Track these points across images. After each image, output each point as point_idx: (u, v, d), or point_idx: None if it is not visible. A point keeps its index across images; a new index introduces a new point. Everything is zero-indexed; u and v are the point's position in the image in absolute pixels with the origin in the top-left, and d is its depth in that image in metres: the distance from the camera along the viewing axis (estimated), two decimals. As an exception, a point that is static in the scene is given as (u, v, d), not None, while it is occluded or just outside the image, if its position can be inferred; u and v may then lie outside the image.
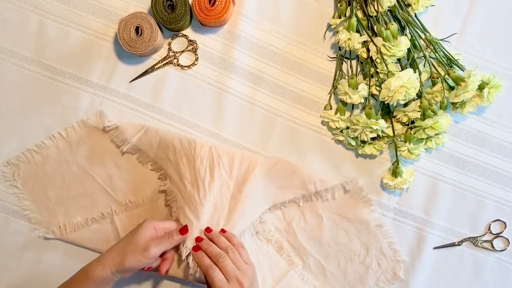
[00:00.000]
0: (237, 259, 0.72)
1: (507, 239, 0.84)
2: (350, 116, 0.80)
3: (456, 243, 0.84)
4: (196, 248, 0.73)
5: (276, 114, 0.84)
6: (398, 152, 0.79)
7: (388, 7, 0.77)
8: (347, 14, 0.80)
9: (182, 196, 0.78)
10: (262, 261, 0.81)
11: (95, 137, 0.82)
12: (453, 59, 0.79)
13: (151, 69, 0.83)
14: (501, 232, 0.84)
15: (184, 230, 0.74)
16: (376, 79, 0.78)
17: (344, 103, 0.80)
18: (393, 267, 0.82)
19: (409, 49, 0.78)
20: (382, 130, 0.77)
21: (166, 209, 0.81)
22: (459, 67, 0.79)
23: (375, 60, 0.77)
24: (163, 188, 0.81)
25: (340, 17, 0.81)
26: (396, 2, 0.78)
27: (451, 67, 0.78)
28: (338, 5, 0.82)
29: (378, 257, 0.82)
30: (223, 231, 0.76)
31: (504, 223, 0.84)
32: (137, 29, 0.79)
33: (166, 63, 0.84)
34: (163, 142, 0.80)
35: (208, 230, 0.75)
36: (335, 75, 0.83)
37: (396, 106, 0.80)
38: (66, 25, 0.83)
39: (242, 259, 0.72)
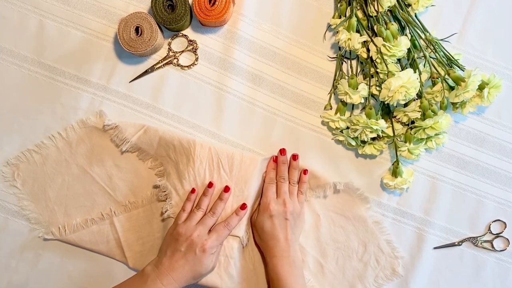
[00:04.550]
0: (294, 192, 0.80)
1: (507, 239, 0.84)
2: (350, 116, 0.80)
3: (456, 243, 0.84)
4: (274, 159, 0.82)
5: (276, 114, 0.84)
6: (398, 152, 0.79)
7: (388, 7, 0.77)
8: (347, 14, 0.80)
9: (179, 195, 0.78)
10: (261, 261, 0.81)
11: (95, 137, 0.82)
12: (453, 59, 0.79)
13: (151, 69, 0.83)
14: (501, 232, 0.84)
15: (243, 206, 0.78)
16: (376, 79, 0.78)
17: (344, 103, 0.80)
18: (391, 264, 0.82)
19: (409, 49, 0.78)
20: (382, 130, 0.77)
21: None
22: (459, 67, 0.79)
23: (375, 60, 0.77)
24: (158, 183, 0.80)
25: (340, 17, 0.81)
26: (396, 2, 0.78)
27: (451, 67, 0.78)
28: (338, 5, 0.82)
29: (376, 254, 0.82)
30: (304, 172, 0.82)
31: (504, 223, 0.84)
32: (137, 29, 0.79)
33: (166, 63, 0.84)
34: (163, 141, 0.80)
35: (294, 157, 0.82)
36: (335, 75, 0.83)
37: (396, 106, 0.80)
38: (66, 25, 0.83)
39: (298, 198, 0.80)
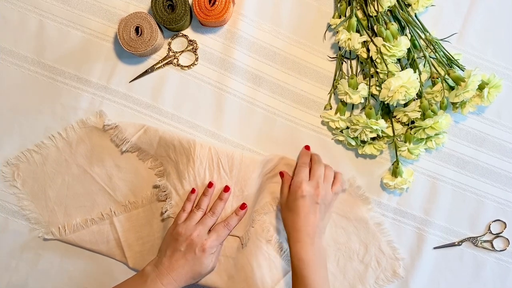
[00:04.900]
0: (329, 177, 0.77)
1: (507, 239, 0.84)
2: (350, 116, 0.80)
3: (456, 243, 0.84)
4: (307, 147, 0.81)
5: (276, 114, 0.84)
6: (398, 152, 0.79)
7: (388, 7, 0.77)
8: (347, 14, 0.80)
9: (179, 195, 0.78)
10: (261, 261, 0.81)
11: (95, 137, 0.82)
12: (453, 59, 0.79)
13: (151, 69, 0.83)
14: (501, 232, 0.84)
15: (243, 206, 0.78)
16: (376, 79, 0.78)
17: (344, 103, 0.80)
18: (392, 265, 0.82)
19: (409, 49, 0.77)
20: (382, 130, 0.77)
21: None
22: (459, 67, 0.79)
23: (375, 60, 0.77)
24: (158, 183, 0.80)
25: (340, 17, 0.81)
26: (396, 2, 0.78)
27: (451, 67, 0.78)
28: (338, 5, 0.82)
29: (377, 255, 0.82)
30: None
31: (504, 223, 0.84)
32: (137, 29, 0.79)
33: (166, 63, 0.84)
34: (163, 141, 0.80)
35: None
36: (335, 75, 0.83)
37: (396, 106, 0.80)
38: (66, 25, 0.83)
39: (332, 186, 0.78)
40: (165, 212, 0.78)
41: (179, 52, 0.84)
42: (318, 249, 0.72)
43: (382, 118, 0.79)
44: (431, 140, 0.79)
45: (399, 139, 0.80)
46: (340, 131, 0.81)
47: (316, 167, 0.77)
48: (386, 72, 0.76)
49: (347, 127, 0.80)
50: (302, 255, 0.70)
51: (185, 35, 0.84)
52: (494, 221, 0.84)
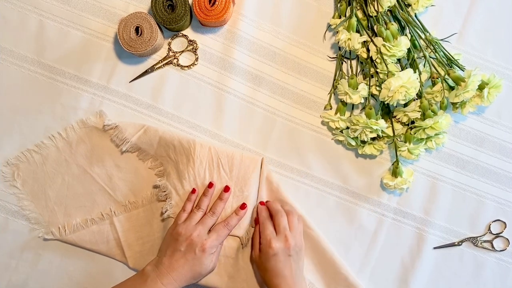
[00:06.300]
0: (293, 222, 0.77)
1: (507, 239, 0.84)
2: (350, 116, 0.80)
3: (456, 243, 0.84)
4: (262, 203, 0.80)
5: (276, 114, 0.84)
6: (398, 152, 0.79)
7: (388, 7, 0.77)
8: (347, 14, 0.80)
9: (179, 195, 0.78)
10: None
11: (95, 137, 0.82)
12: (453, 59, 0.79)
13: (151, 69, 0.83)
14: (501, 232, 0.84)
15: (243, 206, 0.78)
16: (376, 79, 0.78)
17: (344, 103, 0.80)
18: None
19: (409, 49, 0.77)
20: (382, 130, 0.77)
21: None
22: (459, 67, 0.79)
23: (375, 60, 0.77)
24: (158, 183, 0.80)
25: (340, 17, 0.81)
26: (396, 2, 0.78)
27: (451, 67, 0.78)
28: (338, 5, 0.82)
29: None
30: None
31: (504, 223, 0.84)
32: (137, 29, 0.79)
33: (166, 63, 0.84)
34: (163, 141, 0.80)
35: (281, 202, 0.80)
36: (335, 75, 0.83)
37: (396, 106, 0.80)
38: (66, 25, 0.83)
39: (298, 228, 0.77)
40: (165, 212, 0.78)
41: (179, 52, 0.84)
42: None
43: (382, 118, 0.79)
44: (431, 140, 0.79)
45: (399, 139, 0.80)
46: (340, 131, 0.81)
47: (278, 218, 0.76)
48: (386, 72, 0.76)
49: (347, 127, 0.80)
50: None
51: (185, 35, 0.84)
52: (494, 221, 0.84)
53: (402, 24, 0.79)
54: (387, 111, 0.81)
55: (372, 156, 0.84)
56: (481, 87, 0.76)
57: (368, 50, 0.78)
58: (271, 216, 0.78)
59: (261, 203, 0.80)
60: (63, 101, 0.83)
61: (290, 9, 0.84)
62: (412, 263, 0.83)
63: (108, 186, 0.82)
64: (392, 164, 0.81)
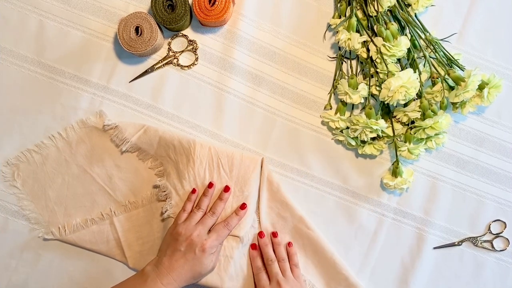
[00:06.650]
0: (286, 269, 0.77)
1: (507, 239, 0.84)
2: (350, 116, 0.80)
3: (456, 243, 0.84)
4: (253, 247, 0.80)
5: (276, 114, 0.84)
6: (398, 152, 0.79)
7: (388, 7, 0.77)
8: (347, 14, 0.80)
9: (179, 195, 0.78)
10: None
11: (95, 137, 0.82)
12: (453, 59, 0.79)
13: (151, 69, 0.83)
14: (501, 232, 0.84)
15: (243, 206, 0.78)
16: (376, 79, 0.78)
17: (344, 103, 0.80)
18: None
19: (409, 49, 0.78)
20: (382, 130, 0.77)
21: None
22: (459, 67, 0.79)
23: (375, 60, 0.77)
24: (158, 183, 0.80)
25: (340, 17, 0.81)
26: (396, 2, 0.78)
27: (451, 67, 0.78)
28: (338, 5, 0.82)
29: None
30: (289, 244, 0.81)
31: (504, 223, 0.84)
32: (137, 29, 0.79)
33: (166, 63, 0.84)
34: (163, 141, 0.80)
35: (274, 235, 0.80)
36: (335, 75, 0.83)
37: (396, 106, 0.80)
38: (66, 25, 0.83)
39: (292, 273, 0.77)
40: (165, 212, 0.78)
41: (179, 52, 0.84)
42: None
43: (382, 118, 0.79)
44: (431, 140, 0.79)
45: (399, 139, 0.80)
46: (340, 131, 0.81)
47: (269, 266, 0.77)
48: (386, 72, 0.76)
49: (347, 127, 0.80)
50: None
51: (185, 35, 0.84)
52: (494, 221, 0.84)
53: (402, 24, 0.79)
54: (387, 111, 0.81)
55: (372, 156, 0.84)
56: (481, 87, 0.76)
57: (368, 50, 0.78)
58: (264, 262, 0.78)
59: (252, 246, 0.80)
60: (63, 101, 0.83)
61: (290, 9, 0.84)
62: (412, 263, 0.83)
63: (108, 186, 0.82)
64: (392, 164, 0.81)
